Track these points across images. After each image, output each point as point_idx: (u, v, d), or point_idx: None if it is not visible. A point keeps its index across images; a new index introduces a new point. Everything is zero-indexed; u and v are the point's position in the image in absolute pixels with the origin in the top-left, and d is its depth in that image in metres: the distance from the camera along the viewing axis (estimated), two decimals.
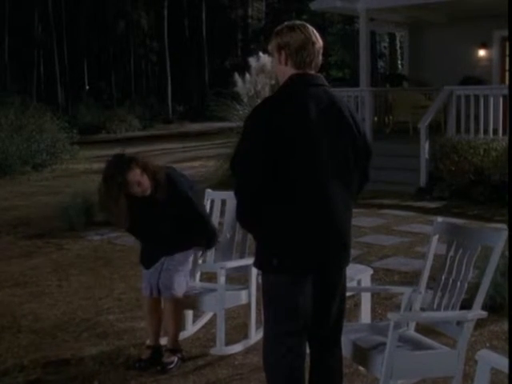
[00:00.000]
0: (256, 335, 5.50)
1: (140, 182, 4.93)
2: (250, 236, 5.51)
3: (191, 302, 5.30)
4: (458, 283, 4.15)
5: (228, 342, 5.36)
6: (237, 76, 14.16)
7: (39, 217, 11.17)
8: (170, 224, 5.09)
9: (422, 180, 12.25)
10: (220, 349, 5.24)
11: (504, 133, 12.03)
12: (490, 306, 5.75)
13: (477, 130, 12.34)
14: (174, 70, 41.69)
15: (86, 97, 37.29)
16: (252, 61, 14.21)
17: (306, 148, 3.46)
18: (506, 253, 6.34)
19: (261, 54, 14.28)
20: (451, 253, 4.28)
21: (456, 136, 12.47)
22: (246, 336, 5.52)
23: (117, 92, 43.92)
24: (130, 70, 45.75)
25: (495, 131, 12.19)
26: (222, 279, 5.20)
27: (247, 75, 14.14)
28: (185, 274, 5.14)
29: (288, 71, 3.58)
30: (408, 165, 12.61)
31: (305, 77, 3.57)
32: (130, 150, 10.13)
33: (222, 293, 5.22)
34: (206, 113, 30.17)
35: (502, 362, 3.14)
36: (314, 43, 3.58)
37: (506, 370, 3.12)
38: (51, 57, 41.83)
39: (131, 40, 46.19)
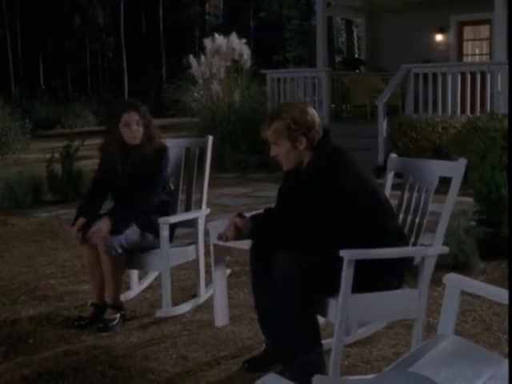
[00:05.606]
0: (206, 293, 5.17)
1: (131, 124, 4.78)
2: (194, 187, 5.20)
3: (133, 261, 4.87)
4: (417, 219, 3.89)
5: (176, 303, 5.02)
6: (191, 57, 13.80)
7: None
8: (138, 185, 4.79)
9: (380, 159, 12.02)
10: (166, 310, 4.82)
11: (462, 111, 11.88)
12: (453, 266, 5.56)
13: (435, 108, 12.18)
14: (131, 66, 41.09)
15: (41, 94, 36.39)
16: (207, 42, 13.88)
17: None
18: (470, 214, 6.19)
19: (216, 35, 13.97)
20: (407, 188, 4.03)
21: (414, 114, 12.29)
22: (195, 295, 5.19)
23: (73, 88, 43.10)
24: (86, 65, 45.02)
25: (453, 109, 12.02)
26: (165, 235, 4.72)
27: (202, 57, 13.80)
28: (127, 239, 4.75)
29: None
30: (366, 145, 12.36)
31: None
32: (85, 142, 9.93)
33: (165, 250, 4.75)
34: (163, 108, 29.75)
35: (472, 285, 2.90)
36: None
37: (477, 292, 2.92)
38: (5, 53, 40.97)
39: (87, 36, 45.46)
